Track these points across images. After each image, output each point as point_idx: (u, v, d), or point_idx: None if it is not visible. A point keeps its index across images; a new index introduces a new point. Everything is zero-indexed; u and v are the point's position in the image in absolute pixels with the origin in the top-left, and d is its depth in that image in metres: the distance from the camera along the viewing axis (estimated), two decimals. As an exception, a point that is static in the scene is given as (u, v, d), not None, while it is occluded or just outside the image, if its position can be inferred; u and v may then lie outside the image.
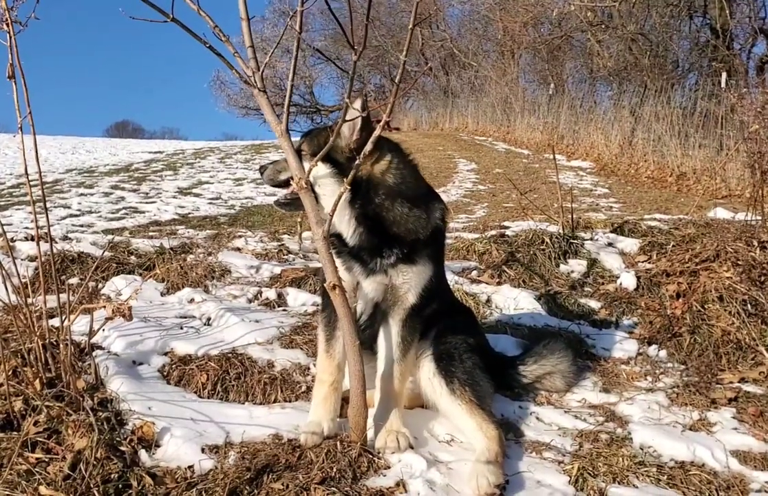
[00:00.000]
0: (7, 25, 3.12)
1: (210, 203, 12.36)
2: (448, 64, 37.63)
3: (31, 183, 3.31)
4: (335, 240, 3.02)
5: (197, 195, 13.36)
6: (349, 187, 2.74)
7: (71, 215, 10.61)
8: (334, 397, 3.07)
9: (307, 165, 2.84)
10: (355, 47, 2.51)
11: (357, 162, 2.72)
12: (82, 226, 9.37)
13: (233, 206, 12.10)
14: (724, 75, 17.51)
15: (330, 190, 2.92)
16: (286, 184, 3.15)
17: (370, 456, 2.82)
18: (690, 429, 3.31)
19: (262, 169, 3.25)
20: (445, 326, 3.20)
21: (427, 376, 3.10)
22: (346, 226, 2.99)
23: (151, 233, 6.97)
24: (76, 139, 32.04)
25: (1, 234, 3.67)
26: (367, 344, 3.10)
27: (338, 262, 2.93)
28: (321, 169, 2.91)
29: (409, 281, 3.01)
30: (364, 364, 2.89)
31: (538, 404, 3.55)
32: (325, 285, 2.87)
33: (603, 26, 24.11)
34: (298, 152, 3.01)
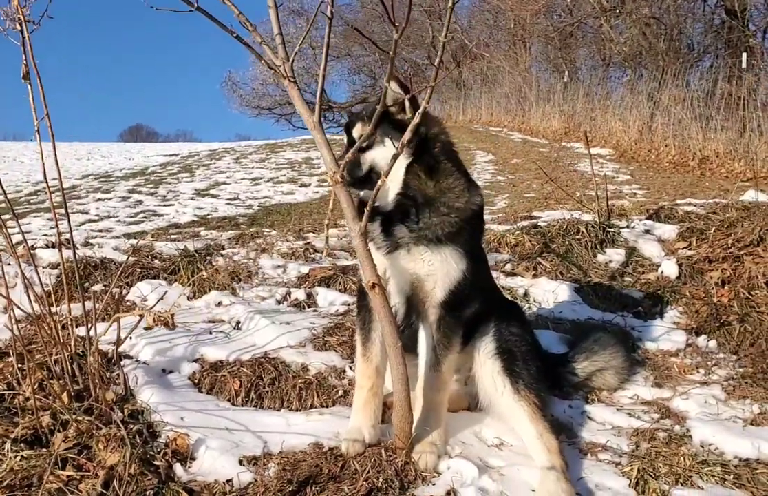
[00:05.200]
0: (20, 24, 3.01)
1: (228, 204, 12.23)
2: (459, 56, 37.27)
3: (51, 189, 3.18)
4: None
5: (215, 196, 13.23)
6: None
7: (89, 221, 10.52)
8: (375, 402, 2.92)
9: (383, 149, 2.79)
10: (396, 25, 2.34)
11: (405, 134, 2.59)
12: (101, 231, 9.28)
13: (251, 206, 11.96)
14: (744, 56, 17.15)
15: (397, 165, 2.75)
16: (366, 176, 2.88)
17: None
18: (751, 424, 3.12)
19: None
20: (500, 322, 2.99)
21: (491, 373, 2.90)
22: (395, 185, 2.82)
23: (173, 236, 6.82)
24: (90, 145, 32.09)
25: (22, 241, 3.56)
26: (408, 345, 2.90)
27: (371, 246, 2.75)
28: (389, 147, 2.76)
29: (434, 273, 2.80)
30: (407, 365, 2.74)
31: (589, 403, 3.37)
32: (363, 284, 2.71)
33: (616, 11, 23.74)
34: (353, 141, 2.86)
